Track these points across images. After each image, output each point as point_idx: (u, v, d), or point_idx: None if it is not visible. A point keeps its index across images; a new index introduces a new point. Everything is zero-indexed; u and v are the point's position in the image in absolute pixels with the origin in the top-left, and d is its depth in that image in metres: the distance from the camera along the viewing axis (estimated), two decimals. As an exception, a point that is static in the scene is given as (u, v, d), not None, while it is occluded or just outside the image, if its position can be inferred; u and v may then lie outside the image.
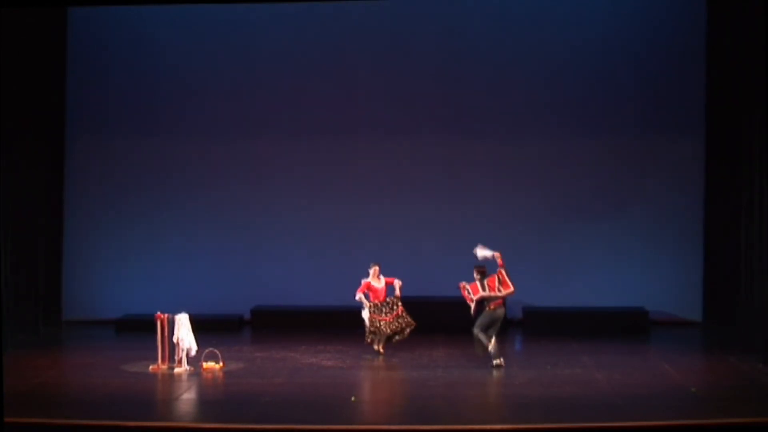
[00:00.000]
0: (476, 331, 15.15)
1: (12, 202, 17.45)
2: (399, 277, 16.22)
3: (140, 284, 19.42)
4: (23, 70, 17.46)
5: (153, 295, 18.67)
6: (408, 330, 16.22)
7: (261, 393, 13.45)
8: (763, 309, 15.28)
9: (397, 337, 16.21)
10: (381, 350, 16.05)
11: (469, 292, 15.19)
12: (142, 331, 16.64)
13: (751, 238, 16.03)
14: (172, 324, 14.96)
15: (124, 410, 12.43)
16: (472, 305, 15.18)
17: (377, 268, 16.24)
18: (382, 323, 16.06)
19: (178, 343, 14.90)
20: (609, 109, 19.28)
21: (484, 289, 15.10)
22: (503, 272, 15.16)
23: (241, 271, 19.48)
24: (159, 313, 15.06)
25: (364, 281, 16.15)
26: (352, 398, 12.92)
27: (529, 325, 18.86)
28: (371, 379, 14.39)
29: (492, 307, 15.15)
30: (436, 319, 18.59)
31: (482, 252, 15.29)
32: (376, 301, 16.10)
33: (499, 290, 15.09)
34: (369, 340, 16.13)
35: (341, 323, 18.31)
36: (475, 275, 15.22)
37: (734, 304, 16.76)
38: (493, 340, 15.08)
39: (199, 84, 19.57)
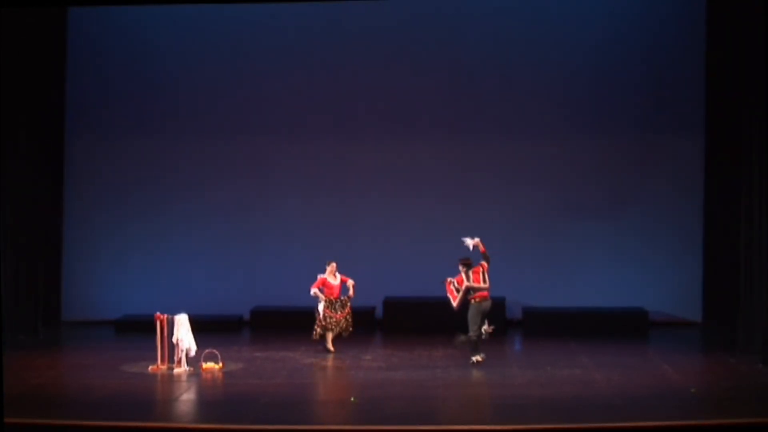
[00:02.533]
0: (475, 333, 15.08)
1: (12, 202, 17.46)
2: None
3: (140, 285, 19.43)
4: (23, 70, 17.47)
5: (152, 295, 18.66)
6: (346, 333, 16.44)
7: (260, 393, 13.45)
8: (763, 309, 15.28)
9: (342, 335, 16.42)
10: (331, 348, 16.24)
11: (454, 285, 15.23)
12: (141, 331, 16.66)
13: (751, 238, 16.02)
14: (171, 324, 14.95)
15: (124, 411, 12.42)
16: (458, 299, 15.18)
17: (334, 265, 16.46)
18: (332, 321, 16.24)
19: (177, 344, 14.90)
20: (609, 109, 19.28)
21: (469, 280, 15.14)
22: (486, 265, 15.21)
23: (240, 271, 19.49)
24: (158, 313, 15.06)
25: (320, 277, 16.36)
26: (352, 398, 12.91)
27: (529, 325, 18.85)
28: (370, 379, 14.38)
29: (477, 299, 15.16)
30: (436, 319, 18.60)
31: (469, 241, 15.39)
32: (330, 298, 16.31)
33: (484, 281, 15.15)
34: (317, 336, 16.32)
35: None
36: (460, 268, 15.29)
37: (734, 304, 16.75)
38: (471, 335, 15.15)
39: (198, 84, 19.58)
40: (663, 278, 19.13)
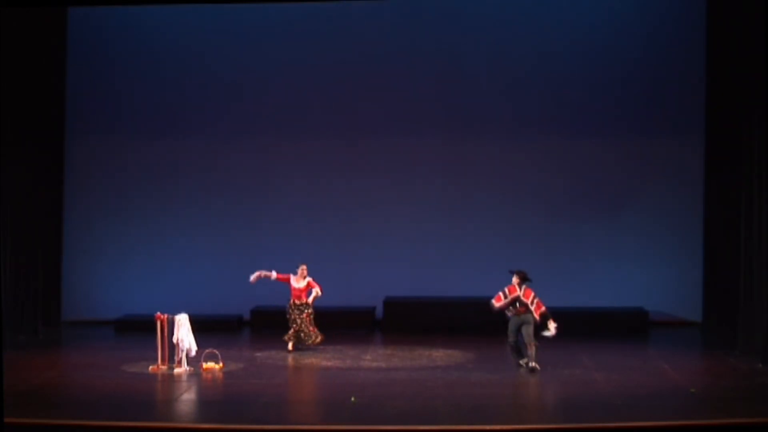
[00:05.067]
0: (532, 342, 14.95)
1: (12, 202, 17.45)
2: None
3: (140, 284, 19.43)
4: (23, 70, 17.47)
5: (152, 295, 18.67)
6: (310, 341, 16.39)
7: (261, 393, 13.45)
8: (763, 309, 15.28)
9: (308, 342, 16.39)
10: (291, 347, 16.32)
11: (505, 294, 15.04)
12: (141, 331, 16.66)
13: (751, 238, 16.02)
14: (171, 324, 14.95)
15: (124, 410, 12.42)
16: (502, 302, 14.95)
17: (304, 267, 16.46)
18: (297, 322, 16.30)
19: (177, 344, 14.90)
20: (609, 109, 19.29)
21: (520, 291, 14.99)
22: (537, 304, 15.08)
23: (241, 271, 19.39)
24: (159, 313, 15.06)
25: (287, 275, 16.46)
26: (352, 398, 12.91)
27: (529, 325, 18.84)
28: (371, 379, 14.38)
29: (514, 312, 14.96)
30: (436, 319, 18.62)
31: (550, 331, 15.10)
32: (296, 300, 16.40)
33: (532, 303, 14.93)
34: (289, 338, 16.39)
35: (340, 324, 18.34)
36: (515, 279, 14.98)
37: (734, 304, 16.75)
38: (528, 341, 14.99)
39: (199, 85, 19.59)
40: (663, 278, 19.13)
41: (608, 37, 19.16)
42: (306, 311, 16.34)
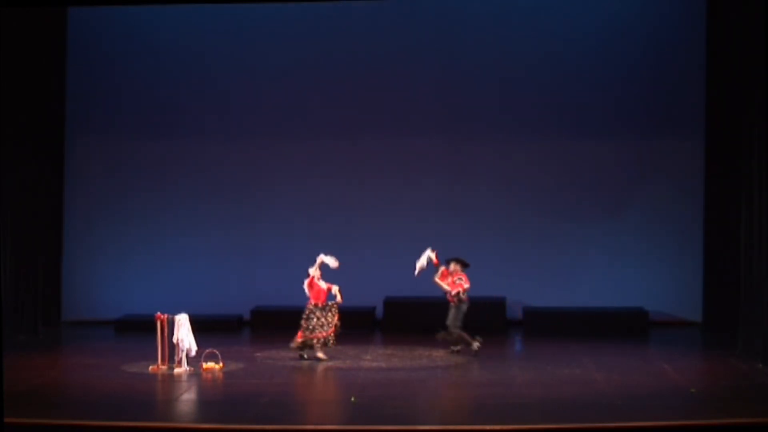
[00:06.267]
0: (457, 328, 15.89)
1: (12, 202, 17.46)
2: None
3: (140, 285, 19.43)
4: (23, 70, 17.48)
5: (153, 295, 18.67)
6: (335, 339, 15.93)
7: (261, 393, 13.45)
8: (763, 309, 15.27)
9: (329, 344, 15.79)
10: (323, 356, 15.70)
11: (461, 281, 15.72)
12: (141, 331, 16.65)
13: (751, 238, 16.01)
14: (171, 324, 14.94)
15: (124, 410, 12.42)
16: (458, 290, 15.71)
17: (319, 272, 15.82)
18: (316, 331, 15.61)
19: (177, 344, 14.89)
20: (609, 109, 19.29)
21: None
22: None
23: (241, 271, 19.50)
24: (159, 313, 15.05)
25: (311, 276, 15.72)
26: (352, 398, 12.91)
27: (529, 325, 18.86)
28: (371, 379, 14.38)
29: (460, 301, 15.93)
30: (436, 319, 18.59)
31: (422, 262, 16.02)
32: (319, 303, 15.69)
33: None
34: (297, 345, 15.77)
35: (340, 323, 18.30)
36: (458, 267, 15.92)
37: (734, 304, 16.75)
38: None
39: (199, 85, 19.59)
40: (663, 278, 19.14)
41: (608, 37, 19.17)
42: (337, 312, 15.82)
